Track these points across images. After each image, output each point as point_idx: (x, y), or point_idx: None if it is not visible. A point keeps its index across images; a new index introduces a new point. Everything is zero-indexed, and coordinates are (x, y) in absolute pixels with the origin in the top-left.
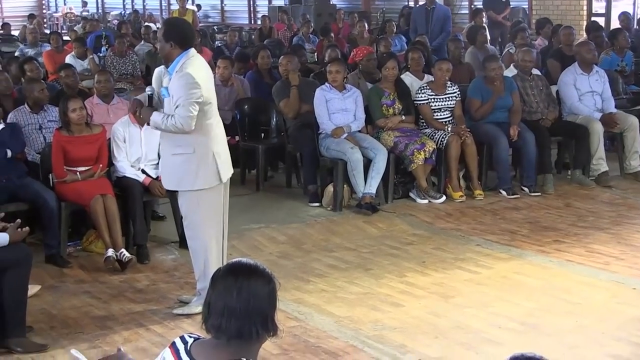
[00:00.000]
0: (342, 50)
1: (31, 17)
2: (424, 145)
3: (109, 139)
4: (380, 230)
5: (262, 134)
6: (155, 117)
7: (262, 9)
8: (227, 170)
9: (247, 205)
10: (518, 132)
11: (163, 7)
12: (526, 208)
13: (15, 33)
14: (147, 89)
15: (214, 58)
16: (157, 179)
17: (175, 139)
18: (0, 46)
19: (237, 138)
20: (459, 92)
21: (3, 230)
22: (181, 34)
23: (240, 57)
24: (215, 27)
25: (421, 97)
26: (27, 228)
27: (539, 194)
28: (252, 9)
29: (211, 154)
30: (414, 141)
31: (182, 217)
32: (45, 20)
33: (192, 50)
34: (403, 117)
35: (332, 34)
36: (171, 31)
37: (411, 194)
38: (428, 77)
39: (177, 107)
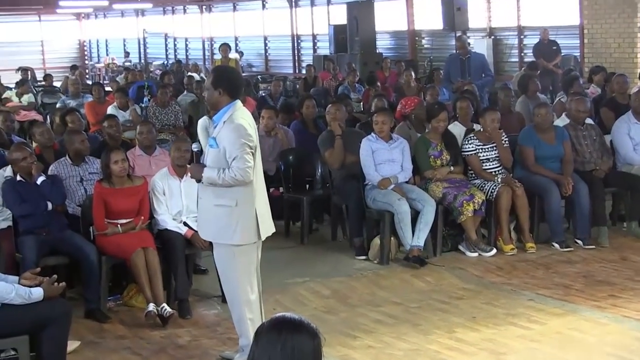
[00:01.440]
0: (388, 100)
1: (73, 68)
2: (473, 196)
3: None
4: (429, 284)
5: (307, 186)
6: (209, 173)
7: (307, 58)
8: (267, 227)
9: (291, 258)
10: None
11: (206, 57)
12: (580, 261)
13: (58, 84)
14: (193, 145)
15: (257, 108)
16: None
17: (218, 190)
18: (42, 97)
19: (281, 189)
20: (507, 139)
21: (39, 285)
22: (231, 82)
23: (285, 107)
24: (259, 77)
25: (469, 147)
26: (63, 283)
27: (593, 247)
28: (296, 58)
29: (254, 210)
30: (463, 192)
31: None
32: (87, 71)
33: (239, 102)
34: (451, 168)
35: (379, 83)
36: (221, 79)
37: (460, 247)
38: (477, 127)
39: (233, 159)
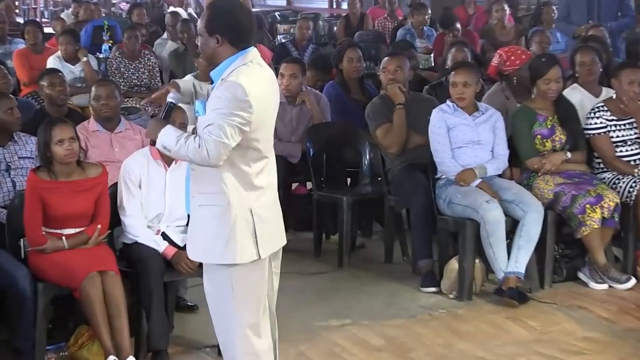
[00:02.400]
0: (473, 50)
1: None
2: (601, 198)
3: (113, 184)
4: (533, 331)
5: (349, 180)
6: (168, 134)
7: None
8: (270, 239)
9: (324, 289)
10: None
11: None
12: None
13: None
14: (170, 95)
15: (274, 61)
16: (185, 248)
17: (204, 180)
18: None
19: (309, 185)
20: None
21: None
22: (234, 24)
23: (316, 61)
24: (276, 14)
25: (596, 123)
26: None
27: None
28: None
29: (248, 211)
30: (586, 192)
31: None
32: (17, 3)
33: (253, 52)
34: (568, 155)
35: (459, 25)
36: (218, 19)
37: (581, 275)
38: (607, 92)
39: (208, 125)
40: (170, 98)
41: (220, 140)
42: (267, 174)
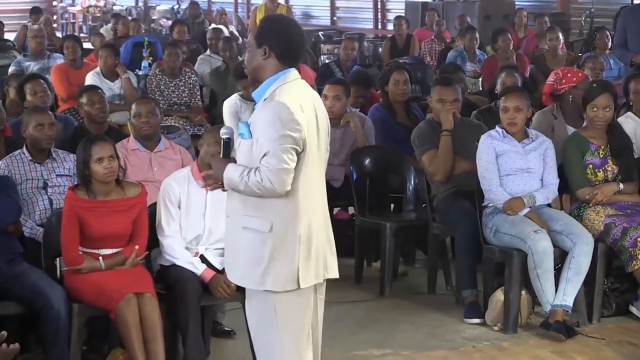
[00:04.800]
0: (523, 75)
1: (35, 12)
2: None
3: (152, 204)
4: None
5: (392, 206)
6: (232, 171)
7: (396, 7)
8: (316, 268)
9: (364, 318)
10: None
11: (239, 1)
12: None
13: (10, 37)
14: (222, 130)
15: (318, 82)
16: (224, 271)
17: (248, 204)
18: None
19: (351, 210)
20: None
21: None
22: (284, 38)
23: (360, 81)
24: (320, 34)
25: None
26: (17, 345)
27: None
28: (379, 7)
29: (294, 238)
30: (638, 224)
31: None
32: (56, 17)
33: (293, 73)
34: (621, 186)
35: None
36: (269, 30)
37: (633, 309)
38: None
39: (264, 155)
40: (223, 134)
41: (279, 168)
42: (319, 197)
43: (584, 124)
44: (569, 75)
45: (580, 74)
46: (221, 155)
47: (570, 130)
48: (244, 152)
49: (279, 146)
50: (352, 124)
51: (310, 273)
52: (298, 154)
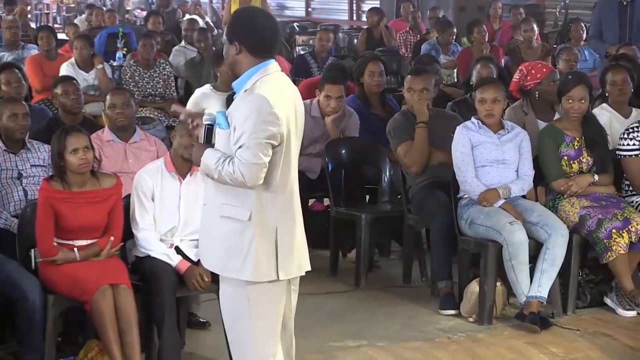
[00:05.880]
0: (498, 66)
1: (10, 3)
2: (629, 222)
3: (126, 195)
4: (554, 357)
5: (367, 197)
6: (209, 157)
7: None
8: (293, 262)
9: (339, 309)
10: None
11: None
12: None
13: None
14: (205, 117)
15: (293, 73)
16: (199, 263)
17: (227, 193)
18: None
19: (326, 202)
20: None
21: None
22: (253, 32)
23: (335, 71)
24: (295, 25)
25: (628, 145)
26: None
27: None
28: None
29: (273, 230)
30: (613, 215)
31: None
32: (30, 8)
33: (273, 65)
34: (596, 177)
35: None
36: (237, 26)
37: (608, 301)
38: (638, 113)
39: (239, 147)
40: (206, 120)
41: (253, 162)
42: (295, 188)
43: (555, 116)
44: (533, 71)
45: (544, 69)
46: (202, 141)
47: (542, 124)
48: (222, 142)
49: (255, 140)
50: (330, 127)
51: (293, 265)
52: (275, 147)
